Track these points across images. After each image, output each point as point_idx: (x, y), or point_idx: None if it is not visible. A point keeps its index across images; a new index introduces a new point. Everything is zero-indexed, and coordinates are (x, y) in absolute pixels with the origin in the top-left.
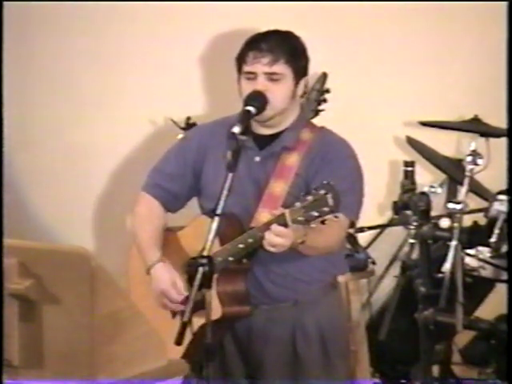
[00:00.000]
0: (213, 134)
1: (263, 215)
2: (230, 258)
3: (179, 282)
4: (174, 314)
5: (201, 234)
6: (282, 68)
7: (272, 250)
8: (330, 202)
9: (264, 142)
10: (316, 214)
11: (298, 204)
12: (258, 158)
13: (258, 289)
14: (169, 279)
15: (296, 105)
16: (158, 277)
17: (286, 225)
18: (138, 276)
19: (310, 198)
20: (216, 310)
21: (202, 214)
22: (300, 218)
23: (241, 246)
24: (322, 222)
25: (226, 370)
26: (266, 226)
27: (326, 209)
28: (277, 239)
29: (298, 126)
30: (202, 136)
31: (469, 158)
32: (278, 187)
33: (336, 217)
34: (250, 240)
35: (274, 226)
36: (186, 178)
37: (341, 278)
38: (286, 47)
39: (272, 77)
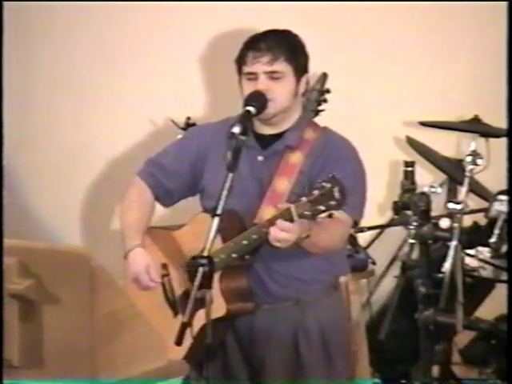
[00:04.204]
0: (214, 134)
1: (267, 212)
2: (234, 255)
3: (154, 269)
4: (175, 313)
5: (201, 231)
6: (282, 66)
7: (277, 244)
8: (337, 195)
9: (267, 141)
10: (323, 208)
11: (304, 198)
12: (260, 158)
13: (260, 288)
14: (143, 263)
15: (298, 103)
16: (132, 260)
17: (291, 220)
18: None
19: (316, 192)
20: (220, 308)
21: (203, 212)
22: (306, 213)
23: (245, 242)
24: (330, 216)
25: (228, 369)
26: (271, 222)
27: (332, 202)
28: (282, 234)
29: (301, 125)
30: (202, 136)
31: (469, 158)
32: (282, 185)
33: (344, 210)
34: (255, 236)
35: (280, 221)
36: (181, 176)
37: (341, 279)
38: (285, 45)
39: (273, 75)
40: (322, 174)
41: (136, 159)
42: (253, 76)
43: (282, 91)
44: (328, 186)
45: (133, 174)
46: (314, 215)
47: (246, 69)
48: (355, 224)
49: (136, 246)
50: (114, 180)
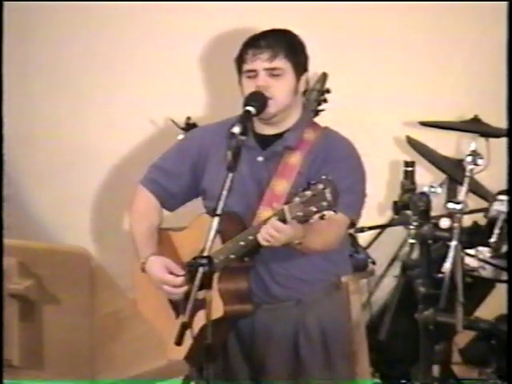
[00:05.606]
0: (214, 135)
1: (265, 213)
2: (232, 256)
3: (174, 266)
4: (177, 314)
5: (203, 233)
6: (282, 63)
7: (265, 243)
8: (329, 196)
9: (267, 141)
10: (315, 209)
11: (296, 199)
12: (260, 158)
13: (261, 288)
14: (162, 266)
15: (299, 103)
16: (152, 268)
17: (284, 220)
18: (143, 276)
19: (308, 193)
20: (218, 309)
21: (204, 213)
22: (299, 214)
23: (241, 243)
24: (322, 218)
25: (229, 369)
26: (265, 223)
27: (324, 204)
28: (272, 232)
29: (301, 125)
30: (203, 137)
31: (469, 158)
32: (280, 186)
33: (335, 212)
34: (250, 237)
35: (273, 220)
36: (183, 178)
37: (343, 278)
38: (285, 43)
39: (273, 72)
40: (320, 175)
41: (136, 159)
42: (253, 73)
43: (282, 88)
44: (320, 187)
45: (132, 174)
46: (307, 216)
47: (246, 66)
48: (353, 223)
49: (150, 255)
50: (114, 179)
